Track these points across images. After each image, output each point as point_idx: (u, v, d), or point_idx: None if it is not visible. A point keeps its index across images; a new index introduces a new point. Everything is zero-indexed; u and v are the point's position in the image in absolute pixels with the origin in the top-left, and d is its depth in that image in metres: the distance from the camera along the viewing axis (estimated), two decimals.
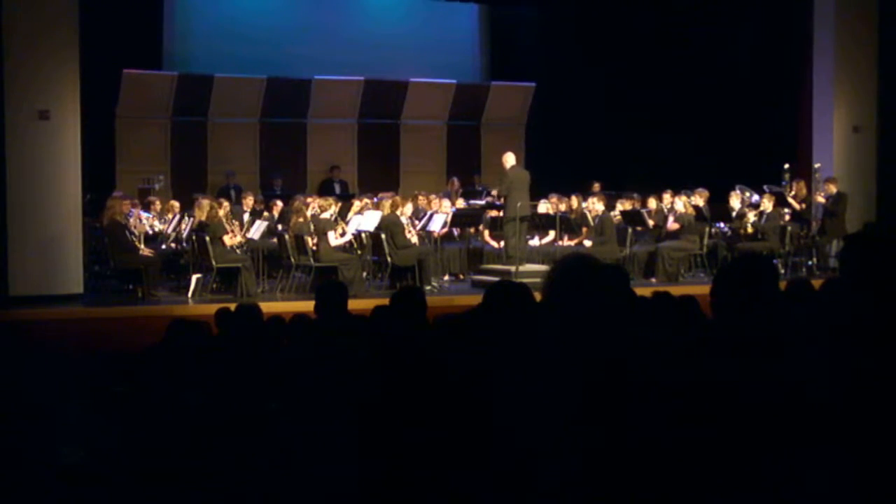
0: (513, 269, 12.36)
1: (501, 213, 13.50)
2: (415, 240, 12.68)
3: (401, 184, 17.56)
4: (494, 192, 13.93)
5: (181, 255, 12.72)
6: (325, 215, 12.43)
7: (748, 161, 15.34)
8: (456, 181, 16.82)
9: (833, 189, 14.08)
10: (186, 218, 12.98)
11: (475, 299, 3.99)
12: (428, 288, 11.94)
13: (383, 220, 12.53)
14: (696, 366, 2.75)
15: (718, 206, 14.16)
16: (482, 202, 15.25)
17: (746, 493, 2.53)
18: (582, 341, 2.77)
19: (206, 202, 12.50)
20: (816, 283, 4.80)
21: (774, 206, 13.80)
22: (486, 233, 14.25)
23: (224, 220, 12.13)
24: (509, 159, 13.24)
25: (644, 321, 4.02)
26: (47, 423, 3.77)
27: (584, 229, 13.95)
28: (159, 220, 13.55)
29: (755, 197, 14.40)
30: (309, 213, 12.47)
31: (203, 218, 12.21)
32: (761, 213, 13.74)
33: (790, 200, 14.36)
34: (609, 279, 2.97)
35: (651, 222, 14.08)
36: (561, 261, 3.01)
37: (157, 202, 13.94)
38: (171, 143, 16.83)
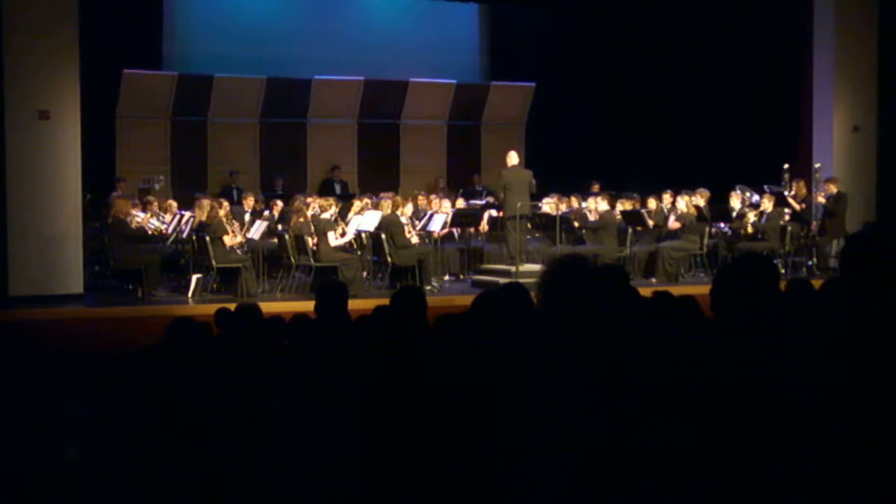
0: (513, 269, 12.36)
1: (501, 213, 13.52)
2: (415, 240, 12.68)
3: (401, 184, 17.57)
4: (492, 197, 13.91)
5: (181, 255, 12.72)
6: (326, 215, 12.43)
7: (748, 161, 15.34)
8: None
9: (833, 189, 14.06)
10: (186, 218, 12.98)
11: None
12: (428, 288, 11.94)
13: (383, 220, 12.53)
14: (695, 365, 2.75)
15: (719, 206, 14.16)
16: (482, 202, 15.24)
17: (745, 493, 2.53)
18: (579, 341, 2.77)
19: (206, 202, 12.50)
20: (816, 283, 4.80)
21: (774, 206, 13.79)
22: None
23: (224, 220, 12.13)
24: (511, 158, 13.25)
25: (644, 321, 4.02)
26: (47, 423, 3.76)
27: (583, 230, 13.94)
28: (157, 220, 13.54)
29: (755, 197, 14.39)
30: (309, 213, 12.47)
31: (203, 218, 12.21)
32: (761, 213, 13.74)
33: (790, 200, 14.35)
34: (603, 278, 2.97)
35: (651, 222, 14.08)
36: (554, 261, 3.01)
37: (156, 202, 13.93)
38: (171, 143, 16.83)
